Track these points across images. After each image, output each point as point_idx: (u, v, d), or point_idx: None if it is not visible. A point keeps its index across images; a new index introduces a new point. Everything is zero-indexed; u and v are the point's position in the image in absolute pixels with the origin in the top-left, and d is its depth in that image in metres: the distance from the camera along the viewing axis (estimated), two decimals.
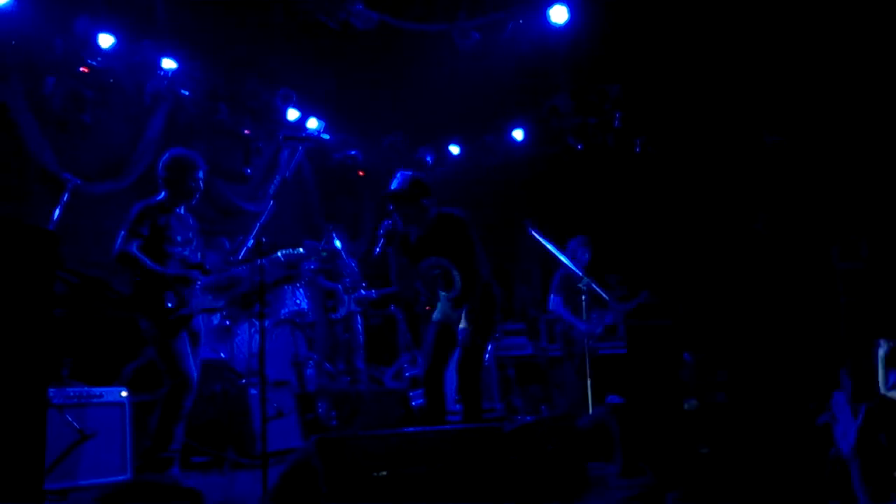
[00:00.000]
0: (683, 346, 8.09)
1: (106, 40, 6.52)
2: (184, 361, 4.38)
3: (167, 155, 4.63)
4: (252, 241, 4.73)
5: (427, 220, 4.68)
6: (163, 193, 4.57)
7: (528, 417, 6.95)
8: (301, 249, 4.81)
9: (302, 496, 2.86)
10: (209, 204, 7.44)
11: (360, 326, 7.42)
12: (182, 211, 4.63)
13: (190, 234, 4.65)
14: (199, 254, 4.71)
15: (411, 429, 3.63)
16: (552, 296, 7.06)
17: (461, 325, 4.59)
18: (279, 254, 4.90)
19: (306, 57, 7.85)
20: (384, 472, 2.79)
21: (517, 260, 9.20)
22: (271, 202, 4.97)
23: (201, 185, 4.63)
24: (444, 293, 4.68)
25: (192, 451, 5.11)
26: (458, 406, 5.05)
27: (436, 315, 4.77)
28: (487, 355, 7.96)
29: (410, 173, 4.75)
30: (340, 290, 7.22)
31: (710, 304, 8.41)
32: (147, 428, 4.47)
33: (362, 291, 7.33)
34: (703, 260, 8.27)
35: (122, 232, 4.37)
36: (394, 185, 4.68)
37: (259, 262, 4.22)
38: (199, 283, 4.55)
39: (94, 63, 6.66)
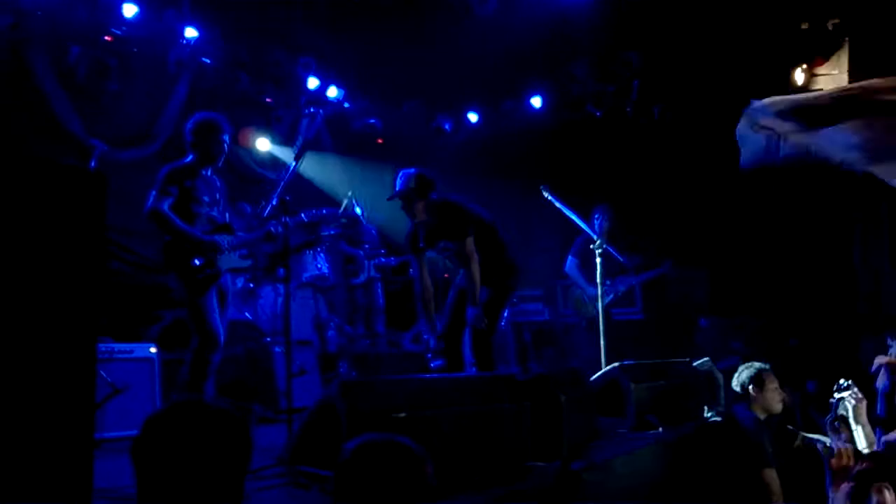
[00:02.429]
0: (699, 312, 8.17)
1: (129, 9, 6.63)
2: (212, 319, 4.51)
3: (193, 118, 4.75)
4: (276, 200, 4.84)
5: (434, 209, 4.94)
6: (190, 156, 4.68)
7: None
8: (324, 210, 4.94)
9: (324, 435, 3.01)
10: (230, 171, 7.57)
11: (380, 292, 7.56)
12: (209, 173, 4.75)
13: (217, 195, 4.77)
14: (226, 214, 4.85)
15: (430, 375, 3.78)
16: (569, 257, 7.17)
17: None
18: (302, 214, 5.03)
19: (327, 25, 7.90)
20: (403, 414, 2.92)
21: (535, 226, 9.25)
22: (294, 163, 5.09)
23: (226, 147, 4.75)
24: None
25: None
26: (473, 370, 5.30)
27: (458, 279, 5.01)
28: (503, 321, 8.09)
29: (413, 171, 4.98)
30: (361, 255, 7.34)
31: (728, 271, 8.46)
32: (176, 383, 4.65)
33: (381, 259, 7.46)
34: (720, 227, 8.29)
35: (153, 192, 4.50)
36: (399, 186, 4.91)
37: (284, 219, 4.35)
38: (225, 243, 4.66)
39: (118, 32, 6.78)
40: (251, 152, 8.20)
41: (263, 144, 8.31)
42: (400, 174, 5.01)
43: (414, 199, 4.90)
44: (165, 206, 4.47)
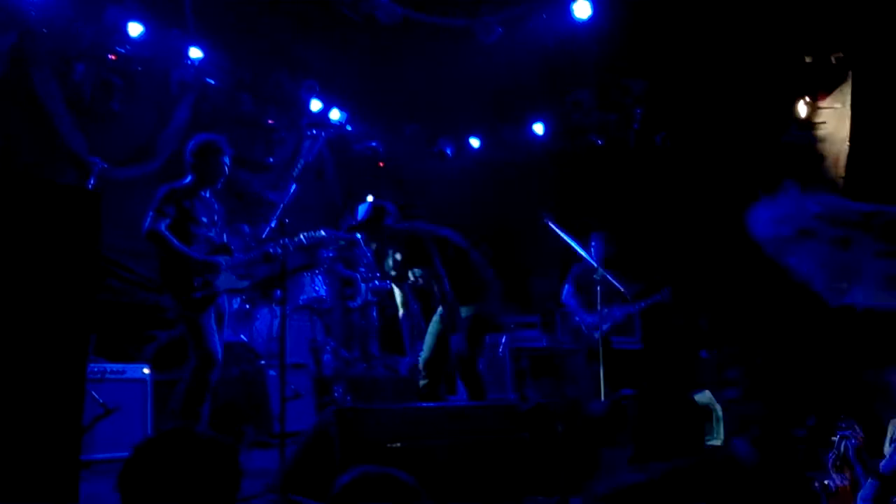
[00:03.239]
0: (701, 343, 8.10)
1: (135, 29, 6.66)
2: (210, 339, 4.50)
3: (194, 140, 4.77)
4: (275, 222, 4.84)
5: (397, 237, 5.01)
6: (189, 177, 4.69)
7: None
8: (322, 232, 4.94)
9: (318, 464, 2.95)
10: (231, 192, 7.57)
11: (375, 315, 7.52)
12: (207, 195, 4.75)
13: (215, 217, 4.77)
14: (224, 235, 4.84)
15: (428, 403, 3.73)
16: (566, 286, 7.19)
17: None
18: (301, 236, 5.01)
19: (330, 49, 7.95)
20: (399, 444, 2.86)
21: (534, 254, 9.21)
22: (294, 185, 5.09)
23: (226, 169, 4.75)
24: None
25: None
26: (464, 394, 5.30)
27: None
28: (501, 347, 8.03)
29: (371, 202, 5.10)
30: (358, 278, 7.31)
31: (729, 302, 8.40)
32: (168, 408, 4.59)
33: (377, 282, 7.42)
34: (721, 257, 8.25)
35: (151, 212, 4.49)
36: (358, 217, 5.02)
37: (283, 241, 4.34)
38: (224, 263, 4.65)
39: (123, 51, 6.81)
40: (251, 173, 8.18)
41: None
42: (358, 207, 5.12)
43: (373, 230, 4.97)
44: (163, 227, 4.47)
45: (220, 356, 4.55)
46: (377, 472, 1.88)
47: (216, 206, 4.83)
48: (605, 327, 6.85)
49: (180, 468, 1.74)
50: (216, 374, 4.53)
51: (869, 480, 2.63)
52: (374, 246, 5.28)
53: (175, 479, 1.74)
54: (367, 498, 1.81)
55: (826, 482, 2.37)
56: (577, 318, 7.30)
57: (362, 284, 7.26)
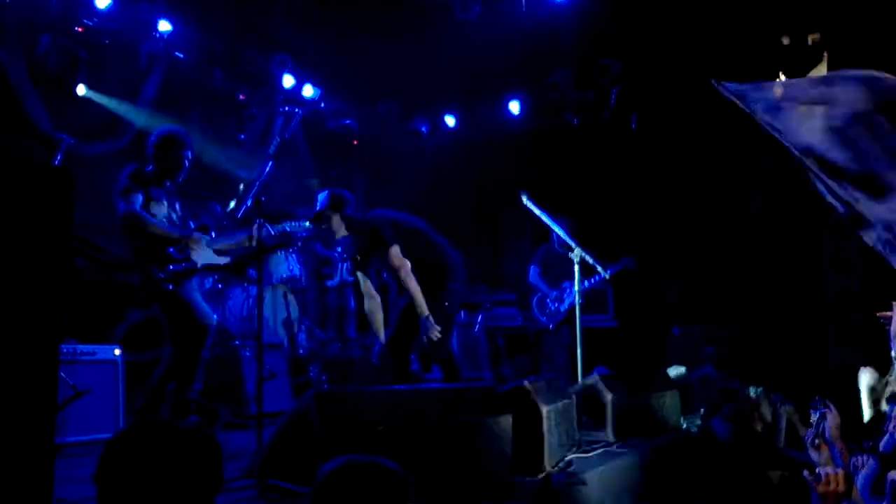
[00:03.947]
0: (673, 320, 8.18)
1: (102, 0, 6.45)
2: (199, 307, 4.51)
3: (157, 132, 4.73)
4: (251, 201, 4.77)
5: (355, 226, 5.01)
6: (150, 167, 4.64)
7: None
8: (307, 223, 4.91)
9: (297, 448, 2.90)
10: (201, 169, 7.43)
11: (352, 295, 7.46)
12: (169, 185, 4.70)
13: (177, 205, 4.73)
14: (191, 223, 4.79)
15: (409, 386, 3.70)
16: (532, 266, 7.42)
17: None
18: (286, 226, 4.99)
19: (304, 23, 7.79)
20: (381, 427, 2.82)
21: (509, 233, 9.22)
22: (271, 162, 5.01)
23: (187, 163, 4.71)
24: None
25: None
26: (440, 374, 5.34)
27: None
28: (477, 326, 8.04)
29: (327, 191, 5.06)
30: (336, 257, 7.24)
31: (701, 280, 8.49)
32: (143, 385, 4.52)
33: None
34: (696, 237, 8.32)
35: (121, 194, 4.44)
36: (316, 207, 5.01)
37: (266, 227, 4.31)
38: (205, 240, 4.63)
39: (90, 23, 6.61)
40: (222, 150, 8.02)
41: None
42: (317, 196, 5.11)
43: (330, 218, 4.95)
44: (138, 207, 4.41)
45: (213, 322, 4.59)
46: (363, 460, 1.83)
47: (177, 202, 4.77)
48: (571, 301, 7.04)
49: (160, 461, 1.68)
50: (210, 339, 4.54)
51: (869, 461, 2.66)
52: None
53: (154, 473, 1.67)
54: (352, 486, 1.77)
55: (817, 471, 2.37)
56: (545, 296, 7.40)
57: (340, 264, 7.19)
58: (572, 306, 7.03)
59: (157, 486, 1.66)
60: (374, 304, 5.18)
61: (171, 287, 4.41)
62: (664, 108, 8.37)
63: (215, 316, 6.10)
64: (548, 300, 7.36)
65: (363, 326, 7.73)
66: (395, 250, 4.85)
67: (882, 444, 2.73)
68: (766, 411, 4.48)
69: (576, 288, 5.93)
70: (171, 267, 4.42)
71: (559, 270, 7.29)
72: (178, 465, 1.69)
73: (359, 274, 5.28)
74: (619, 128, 8.65)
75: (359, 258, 5.19)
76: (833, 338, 7.68)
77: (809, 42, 6.97)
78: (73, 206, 2.34)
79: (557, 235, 7.08)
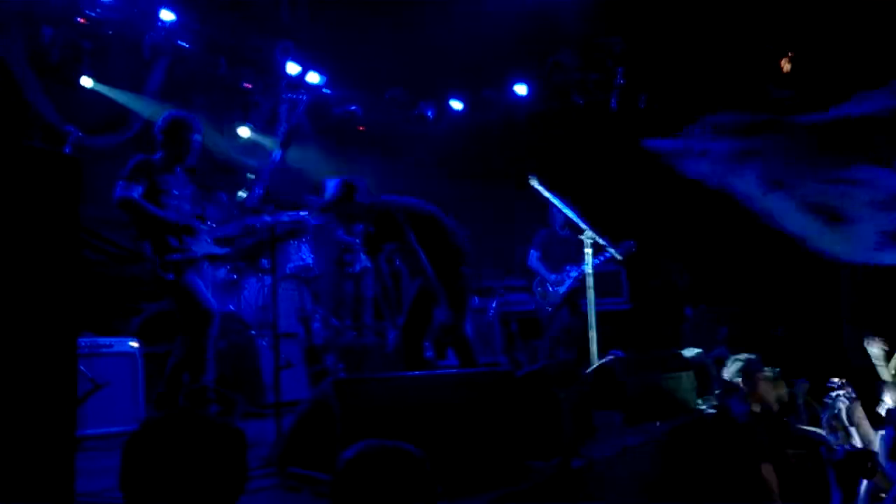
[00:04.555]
0: (685, 301, 8.16)
1: None
2: (201, 295, 4.47)
3: (164, 117, 4.69)
4: (262, 190, 4.75)
5: (370, 213, 4.92)
6: (159, 153, 4.61)
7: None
8: (305, 213, 4.87)
9: (317, 436, 2.90)
10: (207, 158, 7.42)
11: (370, 283, 7.44)
12: (179, 171, 4.68)
13: (188, 192, 4.71)
14: (198, 209, 4.78)
15: (427, 372, 3.70)
16: (531, 251, 7.41)
17: None
18: (284, 216, 4.97)
19: (307, 9, 7.75)
20: (398, 413, 2.82)
21: (519, 216, 9.17)
22: (280, 150, 4.98)
23: (197, 146, 4.68)
24: None
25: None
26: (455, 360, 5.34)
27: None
28: (490, 311, 8.04)
29: (339, 180, 4.95)
30: (358, 244, 7.20)
31: (713, 260, 8.45)
32: (160, 376, 4.54)
33: None
34: (706, 217, 8.27)
35: (121, 181, 4.40)
36: (326, 195, 4.89)
37: (265, 217, 4.29)
38: (204, 229, 4.62)
39: (93, 14, 6.59)
40: (229, 139, 8.01)
41: (244, 132, 8.12)
42: (326, 184, 5.00)
43: (343, 207, 4.87)
44: (136, 194, 4.37)
45: (215, 310, 4.54)
46: (381, 444, 1.84)
47: (189, 183, 4.76)
48: (569, 284, 7.12)
49: (185, 454, 1.68)
50: (215, 329, 4.51)
51: (886, 430, 2.66)
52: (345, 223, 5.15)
53: (179, 466, 1.67)
54: (372, 471, 1.78)
55: (834, 447, 2.37)
56: (545, 280, 7.42)
57: (361, 251, 7.15)
58: (570, 289, 7.18)
59: (181, 477, 1.66)
60: (384, 291, 5.10)
61: (171, 277, 4.39)
62: (671, 88, 8.30)
63: (231, 306, 6.15)
64: (548, 284, 7.36)
65: (380, 314, 7.73)
66: (411, 236, 4.81)
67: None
68: (783, 391, 4.46)
69: (588, 270, 5.91)
70: (168, 256, 4.40)
71: (559, 254, 7.33)
72: (204, 457, 1.69)
73: (372, 261, 5.25)
74: (626, 108, 8.59)
75: (371, 244, 5.17)
76: (846, 314, 7.64)
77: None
78: (80, 194, 2.31)
79: (557, 218, 7.23)
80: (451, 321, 4.77)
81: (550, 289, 7.33)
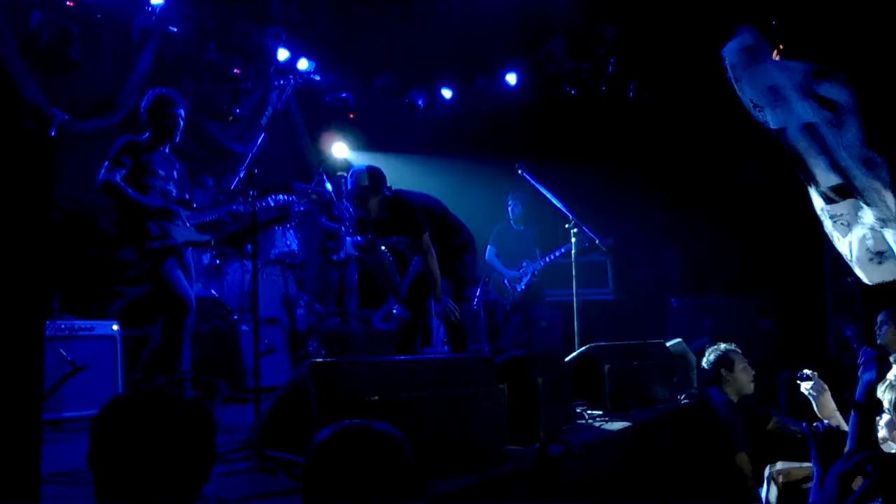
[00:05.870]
0: (670, 293, 8.19)
1: None
2: (178, 285, 4.45)
3: (148, 95, 4.68)
4: (244, 173, 4.73)
5: (388, 205, 4.93)
6: (146, 133, 4.62)
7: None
8: (293, 197, 4.86)
9: (294, 419, 2.91)
10: (196, 143, 7.41)
11: (356, 270, 7.46)
12: (167, 150, 4.67)
13: (174, 173, 4.70)
14: (185, 192, 4.77)
15: (405, 357, 3.71)
16: (488, 246, 7.51)
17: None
18: (270, 199, 4.96)
19: None
20: (376, 397, 2.83)
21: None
22: (263, 134, 4.97)
23: (181, 122, 4.67)
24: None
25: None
26: (444, 348, 5.37)
27: (415, 262, 5.10)
28: (475, 300, 8.05)
29: (364, 168, 4.95)
30: (342, 231, 7.21)
31: (699, 251, 8.47)
32: (138, 360, 4.54)
33: (359, 238, 7.34)
34: (694, 206, 8.28)
35: (106, 162, 4.41)
36: (350, 183, 4.91)
37: (250, 201, 4.26)
38: (184, 215, 4.59)
39: None
40: (217, 124, 7.97)
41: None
42: (350, 172, 5.00)
43: (368, 196, 4.87)
44: (118, 178, 4.38)
45: (192, 301, 4.52)
46: (356, 424, 1.83)
47: (177, 164, 4.76)
48: (527, 281, 7.31)
49: (152, 431, 1.68)
50: (191, 318, 4.50)
51: (851, 415, 2.68)
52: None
53: (145, 443, 1.68)
54: (346, 452, 1.77)
55: (815, 424, 2.38)
56: (497, 275, 7.51)
57: (347, 238, 7.16)
58: (528, 286, 7.33)
59: (149, 454, 1.66)
60: (430, 260, 4.98)
61: (148, 265, 4.40)
62: (660, 76, 8.30)
63: (214, 291, 6.14)
64: (505, 280, 7.44)
65: (365, 301, 7.75)
66: (426, 237, 4.88)
67: (856, 395, 2.76)
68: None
69: (573, 262, 5.93)
70: (147, 245, 4.40)
71: (515, 250, 7.41)
72: (171, 434, 1.69)
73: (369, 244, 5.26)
74: (617, 97, 8.59)
75: (371, 236, 5.17)
76: (831, 306, 7.68)
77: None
78: (53, 172, 2.27)
79: (513, 214, 7.47)
80: (452, 319, 4.89)
81: (508, 285, 7.42)
